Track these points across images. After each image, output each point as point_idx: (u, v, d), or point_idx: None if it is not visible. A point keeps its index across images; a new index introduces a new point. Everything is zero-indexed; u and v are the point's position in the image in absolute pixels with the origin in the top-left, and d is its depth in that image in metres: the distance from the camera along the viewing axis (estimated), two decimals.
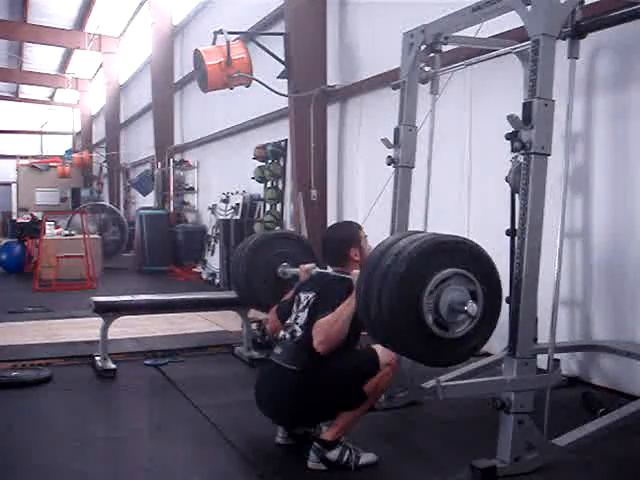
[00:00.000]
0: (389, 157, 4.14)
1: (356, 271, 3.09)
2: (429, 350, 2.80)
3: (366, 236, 3.50)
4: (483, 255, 2.88)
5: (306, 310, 3.29)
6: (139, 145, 17.59)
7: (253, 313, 5.57)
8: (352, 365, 3.16)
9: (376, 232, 3.85)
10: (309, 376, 3.14)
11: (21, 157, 22.70)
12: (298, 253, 4.23)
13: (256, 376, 3.53)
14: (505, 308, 2.98)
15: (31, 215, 14.40)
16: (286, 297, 3.60)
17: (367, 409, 3.21)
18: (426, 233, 3.05)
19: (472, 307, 2.74)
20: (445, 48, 4.07)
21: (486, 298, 2.81)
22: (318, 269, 3.66)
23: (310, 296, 3.34)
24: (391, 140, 4.12)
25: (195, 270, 11.82)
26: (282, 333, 3.39)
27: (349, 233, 3.48)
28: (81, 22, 18.14)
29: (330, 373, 3.12)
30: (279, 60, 7.66)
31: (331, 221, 7.26)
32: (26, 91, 25.90)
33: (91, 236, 11.31)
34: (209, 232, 12.16)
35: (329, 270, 3.53)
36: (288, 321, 3.38)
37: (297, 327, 3.29)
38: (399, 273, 2.69)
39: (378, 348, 3.14)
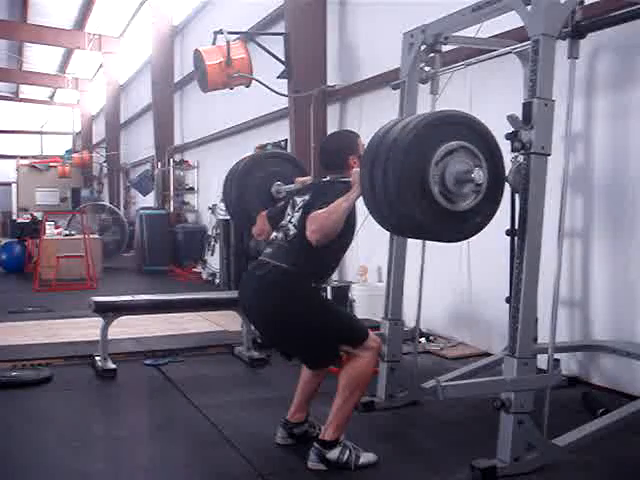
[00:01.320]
0: None
1: (356, 169, 3.03)
2: (434, 223, 2.82)
3: (364, 145, 3.32)
4: (488, 133, 2.92)
5: (301, 210, 3.23)
6: (139, 145, 17.58)
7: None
8: (341, 312, 3.25)
9: (376, 232, 3.83)
10: (296, 274, 3.10)
11: (21, 157, 22.69)
12: (291, 172, 4.06)
13: (242, 276, 3.45)
14: (505, 308, 2.98)
15: (31, 215, 14.39)
16: (278, 205, 3.54)
17: (356, 402, 3.19)
18: (429, 112, 3.05)
19: (478, 174, 2.76)
20: (445, 48, 4.07)
21: (490, 174, 2.84)
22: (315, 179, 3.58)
23: (306, 197, 3.28)
24: None
25: (195, 270, 11.82)
26: (274, 234, 3.33)
27: (347, 141, 3.41)
28: (81, 22, 18.13)
29: (318, 294, 3.18)
30: (279, 60, 7.66)
31: None
32: (26, 91, 25.89)
33: (91, 236, 11.30)
34: (209, 232, 12.16)
35: (327, 178, 3.44)
36: (282, 222, 3.32)
37: (291, 226, 3.24)
38: (406, 143, 2.71)
39: (370, 333, 3.18)
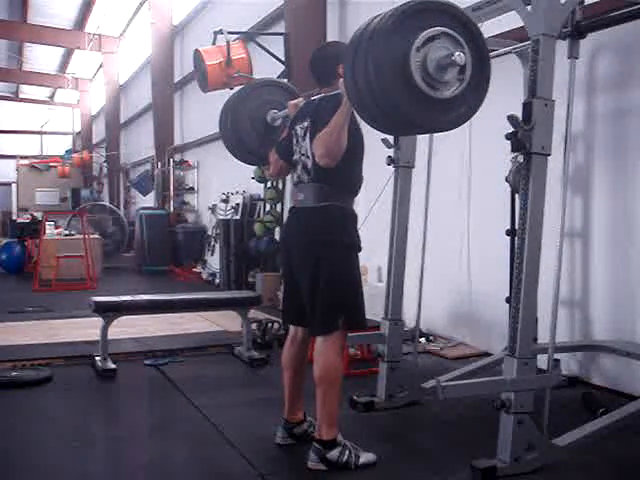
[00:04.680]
0: (389, 157, 4.14)
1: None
2: (419, 111, 2.74)
3: None
4: (471, 22, 2.84)
5: (307, 137, 3.24)
6: (139, 145, 17.59)
7: (253, 313, 5.57)
8: (361, 290, 3.26)
9: (376, 232, 3.87)
10: (339, 207, 3.21)
11: (21, 157, 22.69)
12: (285, 99, 3.97)
13: (285, 227, 3.51)
14: (505, 308, 2.98)
15: (31, 215, 14.40)
16: (282, 136, 3.54)
17: (337, 394, 3.16)
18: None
19: (459, 56, 2.68)
20: None
21: (474, 61, 2.77)
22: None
23: (305, 123, 3.28)
24: (391, 140, 4.12)
25: (195, 270, 11.82)
26: (296, 175, 3.36)
27: (337, 49, 3.36)
28: (81, 22, 18.16)
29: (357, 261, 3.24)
30: (279, 60, 7.66)
31: None
32: (26, 91, 25.92)
33: (91, 236, 11.30)
34: (209, 232, 12.16)
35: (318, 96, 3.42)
36: (295, 157, 3.35)
37: (305, 157, 3.27)
38: (385, 31, 2.65)
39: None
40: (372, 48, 2.65)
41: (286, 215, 3.56)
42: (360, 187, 3.40)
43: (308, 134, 3.23)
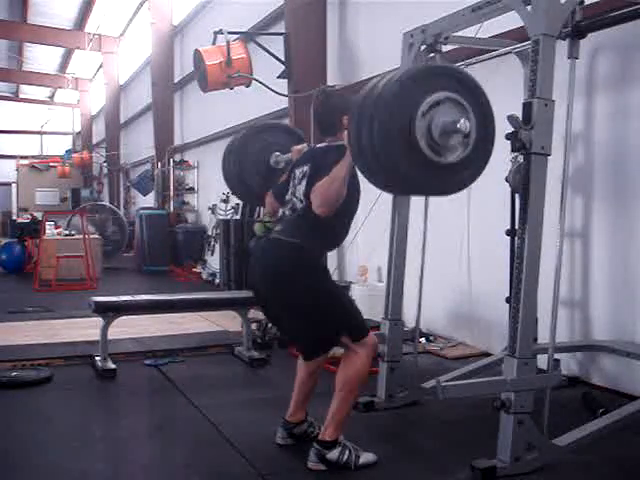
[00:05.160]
0: None
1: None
2: (422, 176, 2.77)
3: None
4: (476, 86, 2.86)
5: (303, 182, 3.23)
6: (139, 145, 17.58)
7: (253, 313, 5.57)
8: (350, 300, 3.25)
9: (376, 232, 3.86)
10: (308, 248, 3.12)
11: (21, 157, 22.69)
12: (288, 141, 4.00)
13: (253, 254, 3.47)
14: (505, 308, 2.98)
15: (31, 215, 14.39)
16: (281, 180, 3.54)
17: (353, 401, 3.19)
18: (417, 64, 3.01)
19: (465, 124, 2.70)
20: (445, 48, 4.06)
21: (479, 125, 2.78)
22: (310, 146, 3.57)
23: (305, 168, 3.27)
24: None
25: (195, 270, 11.82)
26: (281, 210, 3.35)
27: (343, 100, 3.39)
28: (81, 22, 18.15)
29: (329, 276, 3.18)
30: (279, 60, 7.66)
31: None
32: (26, 91, 25.90)
33: (91, 236, 11.30)
34: (209, 232, 12.16)
35: (322, 144, 3.43)
36: (287, 197, 3.33)
37: (295, 200, 3.25)
38: (391, 96, 2.66)
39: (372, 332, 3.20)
40: (377, 112, 2.67)
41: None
42: (340, 243, 3.41)
43: (306, 179, 3.22)
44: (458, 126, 2.69)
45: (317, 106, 3.53)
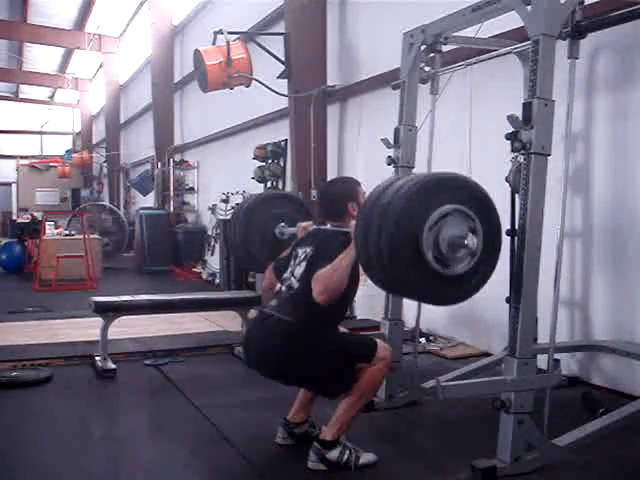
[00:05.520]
0: (389, 157, 4.14)
1: (355, 222, 3.01)
2: (429, 287, 2.78)
3: (364, 192, 3.38)
4: (483, 194, 2.87)
5: (304, 263, 3.23)
6: (139, 145, 17.58)
7: (253, 313, 5.56)
8: (349, 340, 3.21)
9: None
10: (303, 328, 3.10)
11: (21, 157, 22.69)
12: (295, 213, 4.12)
13: (246, 327, 3.45)
14: (505, 308, 2.98)
15: (31, 215, 14.38)
16: (283, 255, 3.55)
17: (362, 405, 3.19)
18: (425, 173, 3.02)
19: (472, 241, 2.73)
20: (445, 48, 4.07)
21: (486, 236, 2.80)
22: (316, 226, 3.60)
23: (308, 250, 3.28)
24: (391, 140, 4.12)
25: (195, 270, 11.82)
26: (278, 286, 3.34)
27: (347, 188, 3.41)
28: (81, 22, 18.14)
29: (325, 335, 3.12)
30: (279, 60, 7.66)
31: None
32: (26, 91, 25.90)
33: (91, 236, 11.30)
34: (209, 232, 12.16)
35: (327, 226, 3.45)
36: (285, 275, 3.33)
37: (293, 280, 3.25)
38: (399, 209, 2.67)
39: (378, 341, 3.16)
40: (385, 224, 2.68)
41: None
42: (338, 323, 3.40)
43: (306, 261, 3.22)
44: (466, 242, 2.72)
45: (322, 192, 3.56)
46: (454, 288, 2.83)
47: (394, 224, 2.66)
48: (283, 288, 3.29)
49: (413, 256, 2.68)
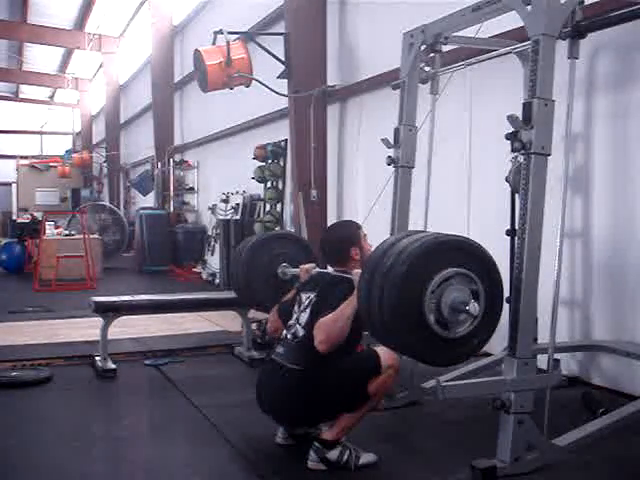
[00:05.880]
0: (389, 157, 4.15)
1: (357, 270, 3.09)
2: (430, 349, 2.81)
3: (365, 235, 3.50)
4: (485, 255, 2.90)
5: (307, 310, 3.29)
6: (139, 145, 17.59)
7: (253, 313, 5.57)
8: (354, 366, 3.18)
9: (376, 232, 3.85)
10: (312, 376, 3.14)
11: (21, 157, 22.69)
12: (297, 253, 4.22)
13: (257, 375, 3.50)
14: (505, 308, 2.98)
15: (31, 215, 14.39)
16: (286, 297, 3.60)
17: (369, 410, 3.21)
18: (428, 233, 3.06)
19: (474, 307, 2.76)
20: (445, 48, 4.07)
21: (487, 297, 2.83)
22: (318, 269, 3.66)
23: (311, 296, 3.33)
24: (391, 140, 4.13)
25: (195, 270, 11.82)
26: (284, 333, 3.39)
27: (349, 232, 3.48)
28: (81, 22, 18.14)
29: (333, 373, 3.12)
30: (279, 60, 7.66)
31: (331, 221, 7.25)
32: (26, 91, 25.90)
33: (91, 236, 11.30)
34: (209, 232, 12.16)
35: (329, 270, 3.52)
36: (290, 321, 3.37)
37: (299, 327, 3.29)
38: (401, 273, 2.70)
39: (380, 350, 3.15)
40: (387, 288, 2.71)
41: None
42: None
43: (310, 308, 3.26)
44: (467, 308, 2.75)
45: (324, 237, 3.63)
46: (456, 349, 2.85)
47: (396, 288, 2.70)
48: (289, 335, 3.33)
49: (415, 319, 2.73)
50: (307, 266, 3.69)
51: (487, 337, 2.92)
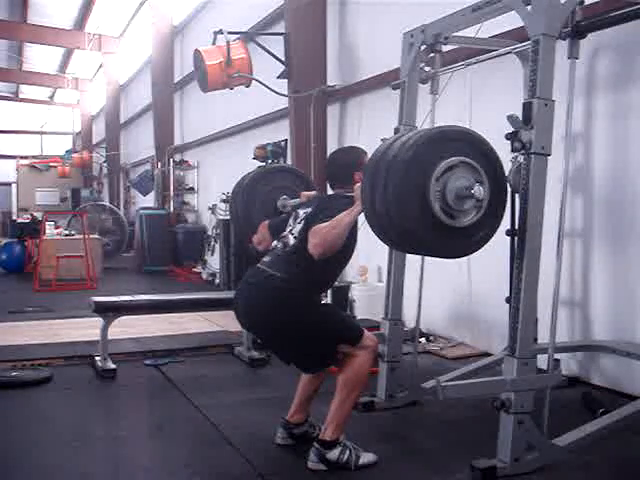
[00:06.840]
0: None
1: (359, 184, 3.01)
2: (435, 239, 2.81)
3: None
4: (489, 148, 2.91)
5: (303, 222, 3.23)
6: (139, 145, 17.58)
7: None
8: (340, 314, 3.24)
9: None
10: (291, 283, 3.10)
11: (21, 157, 22.68)
12: (297, 186, 4.07)
13: (239, 286, 3.43)
14: (505, 307, 2.98)
15: (31, 215, 14.38)
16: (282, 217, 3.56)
17: (354, 402, 3.18)
18: (433, 128, 3.04)
19: (479, 190, 2.76)
20: (445, 48, 4.06)
21: (492, 189, 2.84)
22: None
23: (309, 210, 3.28)
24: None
25: (195, 270, 11.82)
26: (275, 243, 3.35)
27: (355, 156, 3.42)
28: (81, 22, 18.12)
29: (314, 297, 3.14)
30: (279, 60, 7.66)
31: None
32: (26, 91, 25.89)
33: (91, 236, 11.30)
34: (209, 232, 12.16)
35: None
36: (283, 233, 3.33)
37: (291, 237, 3.25)
38: (406, 160, 2.70)
39: (366, 331, 3.19)
40: (391, 175, 2.70)
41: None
42: (324, 290, 3.41)
43: (305, 219, 3.23)
44: (472, 192, 2.75)
45: (330, 159, 3.58)
46: (462, 240, 2.86)
47: (401, 175, 2.69)
48: (279, 245, 3.29)
49: (420, 208, 2.72)
50: (308, 193, 3.65)
51: (492, 230, 2.93)
